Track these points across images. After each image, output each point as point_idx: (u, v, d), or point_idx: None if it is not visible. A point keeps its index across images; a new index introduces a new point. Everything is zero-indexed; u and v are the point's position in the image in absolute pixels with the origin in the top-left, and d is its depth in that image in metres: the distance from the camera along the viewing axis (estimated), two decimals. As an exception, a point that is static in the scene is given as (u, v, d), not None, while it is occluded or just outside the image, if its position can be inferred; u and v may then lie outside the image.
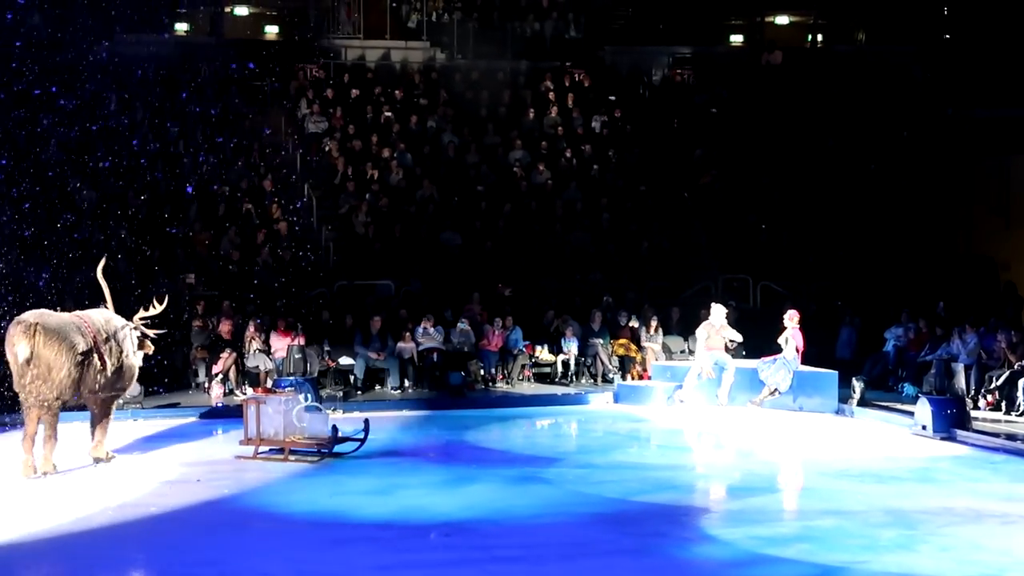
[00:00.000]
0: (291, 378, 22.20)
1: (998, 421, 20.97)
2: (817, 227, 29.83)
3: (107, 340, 17.12)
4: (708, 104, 34.17)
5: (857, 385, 22.53)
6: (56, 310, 17.46)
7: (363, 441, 18.41)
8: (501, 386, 25.20)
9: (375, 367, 24.56)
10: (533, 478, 16.83)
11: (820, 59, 36.17)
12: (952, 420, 19.91)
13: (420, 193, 29.47)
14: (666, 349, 26.15)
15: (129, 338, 17.65)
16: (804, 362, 23.19)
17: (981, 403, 22.18)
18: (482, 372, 25.09)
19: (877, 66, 34.56)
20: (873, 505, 15.12)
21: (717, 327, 23.03)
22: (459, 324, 25.46)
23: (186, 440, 19.67)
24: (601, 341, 25.76)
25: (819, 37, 37.97)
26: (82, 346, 16.61)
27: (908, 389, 23.83)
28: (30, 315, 16.63)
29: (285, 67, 32.41)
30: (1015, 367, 21.89)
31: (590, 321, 25.98)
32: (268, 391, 18.88)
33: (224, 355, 23.58)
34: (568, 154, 31.60)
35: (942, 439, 19.68)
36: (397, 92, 32.68)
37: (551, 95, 33.75)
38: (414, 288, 26.97)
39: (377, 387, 24.57)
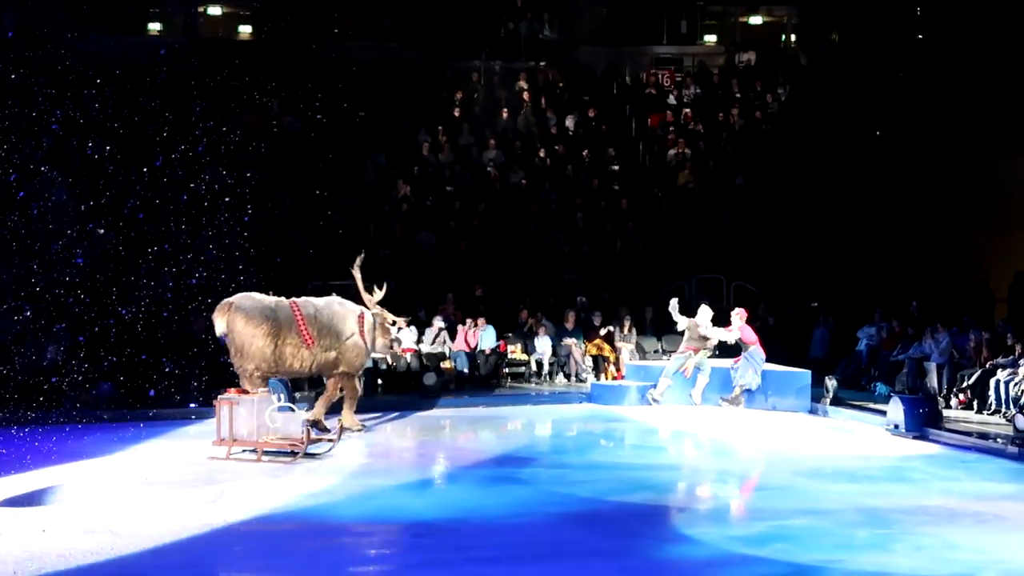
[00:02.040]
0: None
1: (970, 421, 21.02)
2: (791, 227, 29.89)
3: (316, 323, 19.47)
4: (682, 104, 34.20)
5: (830, 384, 22.59)
6: (269, 294, 19.96)
7: (335, 442, 18.39)
8: (475, 386, 25.18)
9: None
10: (507, 478, 16.81)
11: (794, 59, 36.25)
12: (924, 419, 19.98)
13: (394, 193, 29.42)
14: (640, 349, 26.19)
15: (349, 322, 19.84)
16: (777, 361, 23.28)
17: (953, 402, 22.25)
18: (455, 372, 25.06)
19: (851, 66, 34.66)
20: (847, 504, 15.14)
21: (701, 328, 23.09)
22: (433, 324, 25.44)
23: (159, 440, 19.59)
24: (575, 341, 25.78)
25: (793, 37, 38.04)
26: (272, 325, 19.21)
27: (881, 388, 23.90)
28: (234, 296, 19.63)
29: (260, 67, 32.28)
30: (987, 366, 21.96)
31: (564, 321, 25.99)
32: (241, 391, 18.82)
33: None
34: (542, 154, 31.59)
35: (915, 438, 19.75)
36: (372, 91, 32.62)
37: (525, 95, 33.73)
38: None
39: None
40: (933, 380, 23.02)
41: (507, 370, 25.85)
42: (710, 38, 38.12)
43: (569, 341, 25.75)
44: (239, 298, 19.60)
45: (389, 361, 23.18)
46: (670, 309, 23.51)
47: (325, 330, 19.67)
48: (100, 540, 13.26)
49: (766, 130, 32.82)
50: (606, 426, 21.62)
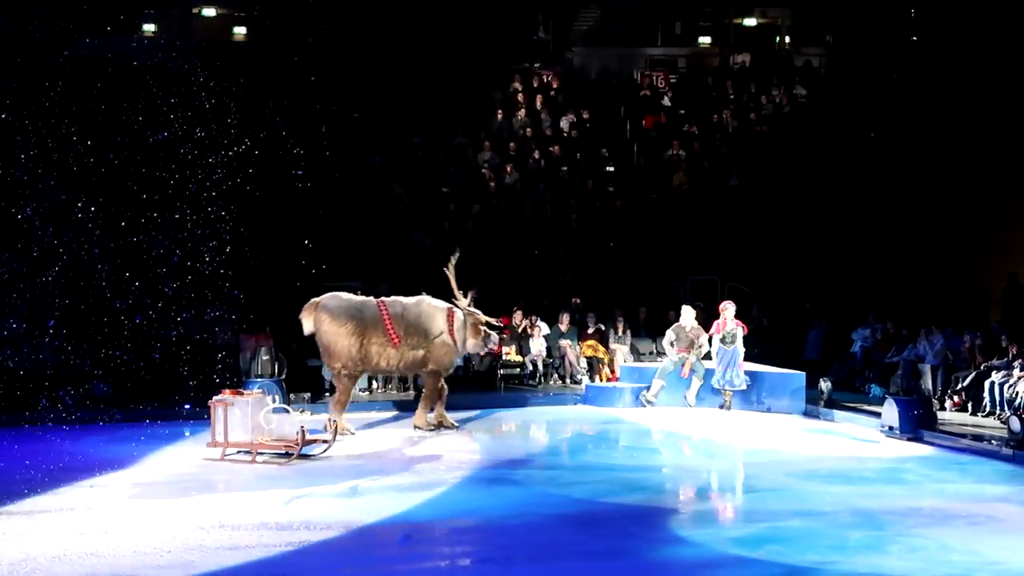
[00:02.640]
0: (259, 379, 22.12)
1: (965, 423, 21.03)
2: (785, 228, 29.89)
3: (402, 322, 19.93)
4: (677, 106, 34.20)
5: (824, 386, 22.60)
6: (357, 293, 20.70)
7: (330, 444, 18.39)
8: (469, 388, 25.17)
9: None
10: (501, 479, 16.82)
11: (788, 61, 36.28)
12: (919, 421, 20.00)
13: (389, 194, 29.41)
14: (634, 350, 26.17)
15: (437, 320, 20.21)
16: (771, 363, 23.31)
17: (948, 404, 22.26)
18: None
19: (845, 67, 34.69)
20: (841, 506, 15.16)
21: (687, 329, 23.11)
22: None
23: (154, 441, 19.58)
24: (569, 342, 25.76)
25: (787, 39, 38.07)
26: (357, 324, 19.82)
27: (875, 390, 23.91)
28: (322, 296, 20.27)
29: (254, 68, 32.26)
30: (981, 368, 21.98)
31: (558, 322, 25.97)
32: (236, 393, 18.81)
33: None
34: (536, 155, 31.58)
35: (909, 440, 19.76)
36: (367, 92, 32.60)
37: (520, 96, 33.72)
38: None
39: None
40: (927, 382, 23.04)
41: (501, 372, 25.81)
42: (704, 40, 38.13)
43: (563, 343, 25.73)
44: (326, 298, 20.24)
45: (477, 359, 23.70)
46: (664, 343, 23.60)
47: (412, 329, 20.07)
48: (95, 542, 13.27)
49: (760, 131, 32.82)
50: (600, 428, 21.61)
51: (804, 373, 23.26)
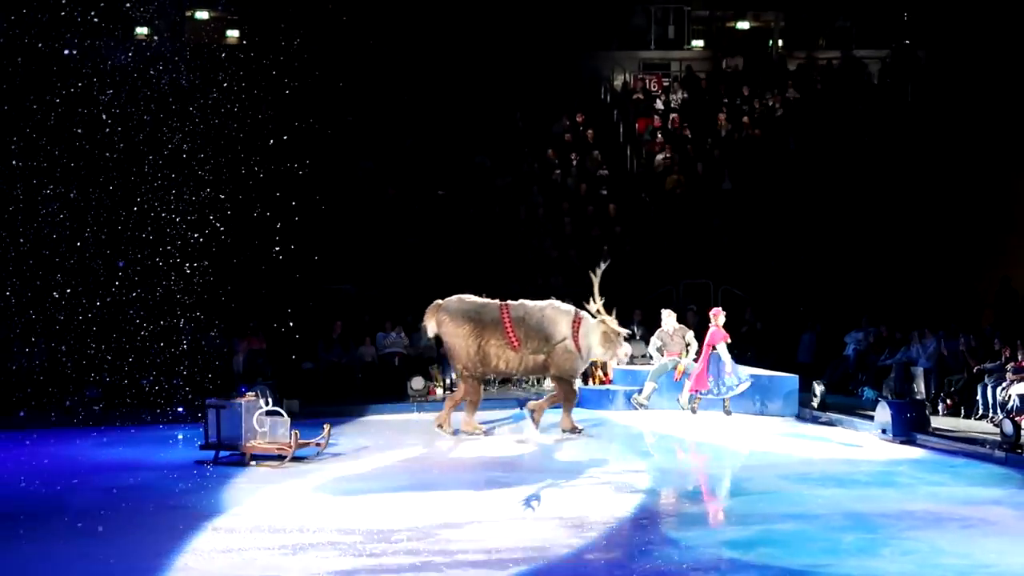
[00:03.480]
0: (252, 383, 22.11)
1: (958, 426, 21.03)
2: (778, 232, 29.89)
3: (523, 326, 19.93)
4: (670, 109, 34.20)
5: (817, 389, 22.61)
6: (481, 295, 20.82)
7: (324, 446, 18.39)
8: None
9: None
10: (495, 482, 16.83)
11: (781, 64, 36.28)
12: (912, 424, 20.01)
13: (383, 196, 29.41)
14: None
15: (560, 326, 20.14)
16: (765, 366, 23.31)
17: (940, 407, 22.26)
18: (443, 377, 25.05)
19: (839, 71, 34.72)
20: (834, 509, 15.16)
21: (671, 332, 23.10)
22: (422, 328, 25.42)
23: (147, 445, 19.59)
24: (563, 345, 25.69)
25: (780, 42, 38.09)
26: (475, 326, 20.09)
27: (868, 393, 23.91)
28: (447, 298, 20.61)
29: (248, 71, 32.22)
30: (974, 371, 21.99)
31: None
32: (229, 395, 18.80)
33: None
34: (531, 159, 31.58)
35: (902, 443, 19.77)
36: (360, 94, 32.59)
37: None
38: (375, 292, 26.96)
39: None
40: (920, 385, 23.05)
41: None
42: (697, 43, 38.14)
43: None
44: (449, 300, 20.60)
45: (613, 366, 22.99)
46: (650, 351, 23.55)
47: (533, 333, 20.08)
48: (86, 543, 13.28)
49: (753, 135, 32.83)
50: (594, 430, 21.59)
51: (797, 376, 23.25)
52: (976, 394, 21.59)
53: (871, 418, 20.78)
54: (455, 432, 20.54)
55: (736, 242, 29.88)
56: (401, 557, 13.01)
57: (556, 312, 20.32)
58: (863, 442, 20.21)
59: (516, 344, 20.07)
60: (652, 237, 30.06)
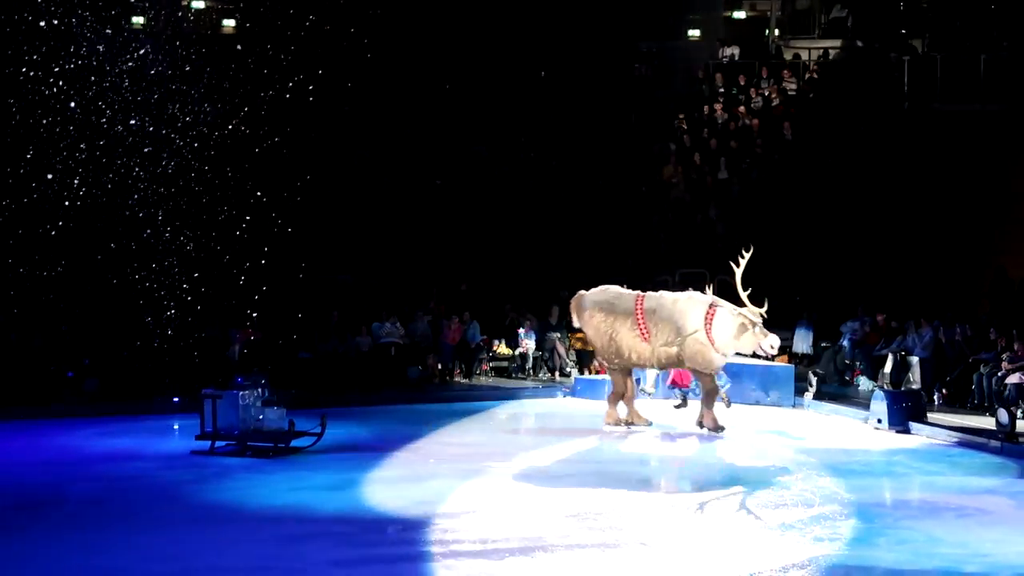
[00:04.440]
0: (248, 373, 22.10)
1: (953, 416, 21.02)
2: (775, 221, 29.85)
3: (654, 317, 19.53)
4: (667, 99, 34.13)
5: (813, 379, 22.62)
6: (623, 285, 20.52)
7: (320, 436, 18.38)
8: (459, 380, 25.21)
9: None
10: (490, 473, 16.83)
11: (778, 54, 36.22)
12: (907, 414, 20.04)
13: (381, 187, 29.40)
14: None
15: (692, 317, 19.52)
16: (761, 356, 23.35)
17: (936, 397, 22.26)
18: (440, 366, 25.08)
19: (837, 62, 34.66)
20: (830, 498, 15.18)
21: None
22: (419, 318, 25.47)
23: (143, 435, 19.60)
24: (558, 335, 25.75)
25: (776, 32, 38.00)
26: (606, 317, 19.90)
27: (864, 383, 23.90)
28: (593, 289, 20.48)
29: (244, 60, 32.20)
30: (970, 360, 22.00)
31: (547, 316, 25.97)
32: (226, 385, 18.80)
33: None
34: (529, 149, 31.55)
35: (898, 432, 19.80)
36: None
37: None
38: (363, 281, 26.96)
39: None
40: (916, 375, 23.04)
41: (491, 364, 25.87)
42: (694, 33, 38.05)
43: (552, 336, 25.73)
44: (591, 291, 20.46)
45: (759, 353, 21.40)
46: None
47: (664, 324, 19.64)
48: (82, 533, 13.29)
49: (750, 124, 32.75)
50: (589, 420, 21.60)
51: (793, 366, 23.27)
52: (972, 384, 21.60)
53: (867, 408, 20.79)
54: (628, 424, 20.54)
55: (732, 232, 29.83)
56: (396, 547, 13.02)
57: (689, 303, 19.80)
58: (859, 432, 20.23)
59: (646, 336, 19.72)
60: (648, 226, 30.02)
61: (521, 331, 25.77)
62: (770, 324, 25.06)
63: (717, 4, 37.50)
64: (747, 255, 19.83)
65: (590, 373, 25.19)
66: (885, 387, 22.41)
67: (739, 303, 19.61)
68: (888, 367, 23.63)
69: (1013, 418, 18.56)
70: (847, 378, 24.80)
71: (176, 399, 22.17)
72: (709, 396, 19.99)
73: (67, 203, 25.85)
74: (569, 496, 15.37)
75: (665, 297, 20.02)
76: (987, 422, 19.73)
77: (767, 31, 37.43)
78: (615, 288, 20.41)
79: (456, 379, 25.30)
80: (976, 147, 29.46)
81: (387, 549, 12.96)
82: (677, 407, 22.33)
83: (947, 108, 30.94)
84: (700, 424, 20.09)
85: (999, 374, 20.74)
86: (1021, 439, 18.38)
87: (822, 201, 30.05)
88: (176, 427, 20.28)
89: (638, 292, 20.17)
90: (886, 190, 29.79)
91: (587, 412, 22.28)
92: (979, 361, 21.77)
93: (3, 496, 15.40)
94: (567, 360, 25.66)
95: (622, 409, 20.66)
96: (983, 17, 31.75)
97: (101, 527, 13.76)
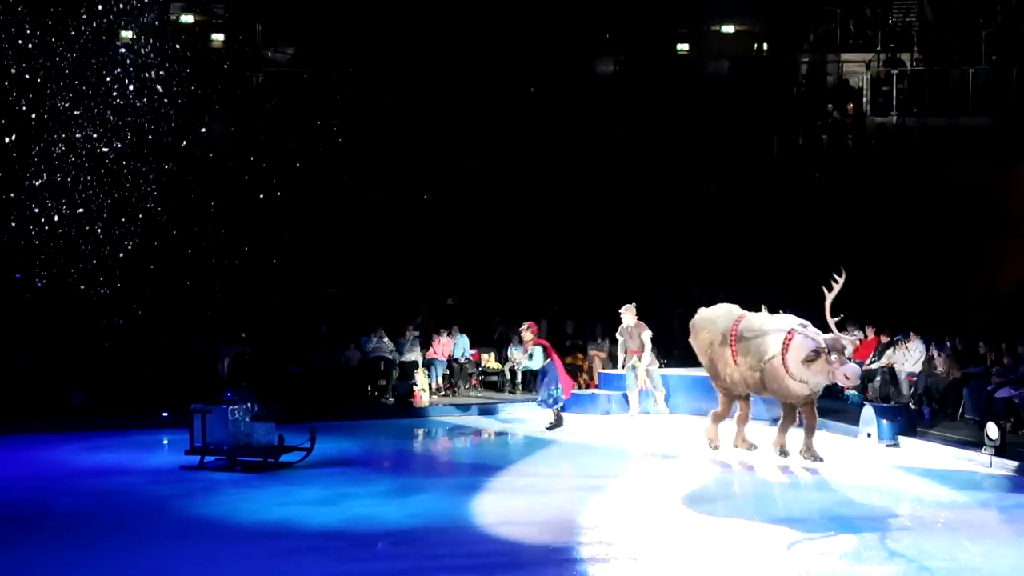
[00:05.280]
0: (237, 387, 22.09)
1: (943, 430, 21.03)
2: (764, 235, 29.91)
3: (742, 340, 18.43)
4: (655, 112, 34.15)
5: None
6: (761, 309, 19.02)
7: (310, 451, 18.37)
8: (447, 395, 25.21)
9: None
10: (480, 487, 16.81)
11: (766, 67, 36.26)
12: (897, 427, 20.03)
13: (368, 201, 29.43)
14: (612, 358, 26.14)
15: (770, 342, 18.18)
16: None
17: (926, 410, 22.28)
18: (429, 381, 25.07)
19: (823, 74, 34.72)
20: (819, 513, 15.18)
21: (628, 328, 23.08)
22: (407, 333, 25.48)
23: (132, 450, 19.59)
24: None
25: (765, 46, 38.06)
26: (706, 337, 19.06)
27: (854, 396, 23.90)
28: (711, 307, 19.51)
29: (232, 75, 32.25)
30: (960, 374, 22.03)
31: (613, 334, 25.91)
32: (215, 400, 18.79)
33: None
34: (517, 162, 31.56)
35: (887, 446, 19.79)
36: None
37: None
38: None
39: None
40: (905, 388, 23.08)
41: (480, 379, 25.88)
42: (682, 46, 38.09)
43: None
44: (707, 308, 19.59)
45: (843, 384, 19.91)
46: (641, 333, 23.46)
47: (749, 348, 18.43)
48: (71, 548, 13.26)
49: (737, 138, 32.74)
50: (579, 435, 21.60)
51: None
52: (962, 397, 21.63)
53: (857, 421, 20.79)
54: (751, 447, 19.43)
55: (721, 245, 29.88)
56: (385, 562, 13.01)
57: (773, 326, 18.45)
58: (848, 446, 20.23)
59: (735, 358, 18.66)
60: (637, 240, 30.03)
61: (511, 346, 25.79)
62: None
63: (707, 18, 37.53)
64: (841, 279, 18.56)
65: (580, 387, 25.12)
66: (874, 400, 22.45)
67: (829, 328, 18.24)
68: (877, 381, 23.67)
69: (1003, 432, 18.56)
70: (836, 391, 24.80)
71: (165, 414, 22.15)
72: (809, 427, 18.62)
73: (48, 220, 25.85)
74: (560, 511, 15.35)
75: (755, 319, 18.75)
76: (977, 436, 19.74)
77: (755, 45, 37.45)
78: (725, 306, 19.35)
79: (444, 393, 25.28)
80: (966, 160, 29.55)
81: (377, 564, 12.94)
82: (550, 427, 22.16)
83: (935, 122, 31.02)
84: (803, 455, 18.67)
85: (988, 388, 20.79)
86: (1011, 453, 18.38)
87: (812, 214, 30.11)
88: (166, 442, 20.27)
89: (742, 312, 19.01)
90: (876, 203, 29.86)
91: (577, 426, 22.28)
92: (968, 375, 21.80)
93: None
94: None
95: (716, 429, 19.63)
96: (970, 30, 31.81)
97: (90, 542, 13.73)
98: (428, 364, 25.26)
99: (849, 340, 18.45)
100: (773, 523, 14.60)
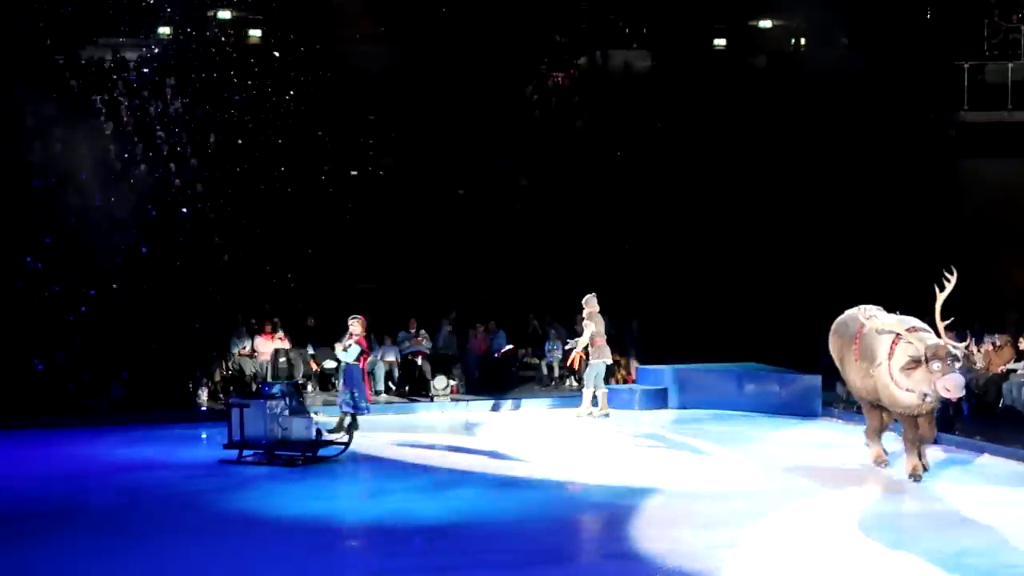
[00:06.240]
0: (276, 381, 22.13)
1: (982, 426, 20.88)
2: (803, 229, 29.74)
3: (862, 343, 17.25)
4: (692, 108, 34.06)
5: (841, 389, 22.51)
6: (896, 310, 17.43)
7: (347, 445, 18.42)
8: (482, 390, 25.17)
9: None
10: (518, 482, 16.82)
11: (804, 63, 36.11)
12: (936, 423, 19.88)
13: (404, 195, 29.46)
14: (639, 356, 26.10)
15: (879, 347, 16.78)
16: (788, 365, 23.27)
17: (965, 406, 22.12)
18: (465, 376, 25.08)
19: (859, 71, 34.56)
20: (856, 510, 15.11)
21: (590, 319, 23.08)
22: (443, 328, 25.51)
23: (171, 444, 19.68)
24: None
25: (803, 41, 37.94)
26: (836, 341, 18.00)
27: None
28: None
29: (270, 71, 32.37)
30: (1000, 370, 21.90)
31: (573, 325, 25.92)
32: (253, 394, 18.85)
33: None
34: (551, 158, 31.54)
35: (926, 443, 19.65)
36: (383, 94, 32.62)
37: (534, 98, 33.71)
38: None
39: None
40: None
41: (518, 374, 25.88)
42: (719, 41, 37.99)
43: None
44: (846, 313, 17.99)
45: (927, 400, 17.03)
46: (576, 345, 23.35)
47: (865, 352, 17.17)
48: (108, 542, 13.33)
49: (771, 134, 32.60)
50: (617, 430, 21.58)
51: (820, 376, 23.15)
52: (1001, 393, 21.50)
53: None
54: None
55: (758, 239, 29.73)
56: (422, 558, 12.99)
57: (884, 329, 16.95)
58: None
59: (856, 361, 17.43)
60: (670, 234, 29.96)
61: (548, 342, 25.79)
62: (800, 334, 25.01)
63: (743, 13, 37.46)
64: (952, 278, 17.34)
65: (618, 383, 25.06)
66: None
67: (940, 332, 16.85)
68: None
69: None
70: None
71: (203, 408, 22.27)
72: (909, 441, 17.08)
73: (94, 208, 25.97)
74: (597, 506, 15.37)
75: (882, 321, 17.14)
76: (1017, 431, 19.62)
77: (792, 40, 37.33)
78: (859, 308, 17.72)
79: (480, 388, 25.25)
80: (1000, 158, 29.44)
81: (413, 560, 12.92)
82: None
83: (969, 118, 30.87)
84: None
85: (1027, 384, 20.67)
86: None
87: (851, 209, 29.94)
88: (204, 436, 20.36)
89: (873, 313, 17.36)
90: (917, 199, 29.73)
91: (615, 421, 22.27)
92: (1008, 370, 21.68)
93: (27, 505, 15.45)
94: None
95: (878, 446, 18.17)
96: (967, 26, 31.71)
97: (127, 536, 13.78)
98: (463, 358, 25.28)
99: (958, 347, 16.87)
100: (810, 520, 14.54)
